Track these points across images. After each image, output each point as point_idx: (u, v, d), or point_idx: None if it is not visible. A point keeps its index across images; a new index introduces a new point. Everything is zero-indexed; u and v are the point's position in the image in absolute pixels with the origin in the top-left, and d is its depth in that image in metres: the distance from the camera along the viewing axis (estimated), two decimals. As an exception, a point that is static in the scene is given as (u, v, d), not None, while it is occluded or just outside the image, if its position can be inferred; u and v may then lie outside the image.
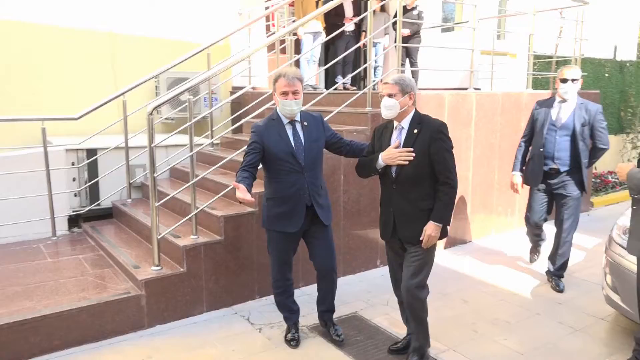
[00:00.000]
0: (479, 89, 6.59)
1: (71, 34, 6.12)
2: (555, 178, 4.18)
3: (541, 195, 4.30)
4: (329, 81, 8.60)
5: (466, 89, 5.93)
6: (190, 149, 3.86)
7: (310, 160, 3.13)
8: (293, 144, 3.09)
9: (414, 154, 2.79)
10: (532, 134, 4.33)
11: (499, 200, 5.78)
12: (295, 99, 3.04)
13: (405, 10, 7.81)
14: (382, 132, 3.01)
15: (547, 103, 4.30)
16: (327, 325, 3.45)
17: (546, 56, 8.14)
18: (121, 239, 4.52)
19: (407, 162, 2.79)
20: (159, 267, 3.67)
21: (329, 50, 8.33)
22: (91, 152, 5.11)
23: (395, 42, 4.82)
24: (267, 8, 7.53)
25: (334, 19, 7.86)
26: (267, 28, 7.75)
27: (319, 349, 3.30)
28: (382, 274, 4.62)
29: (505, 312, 3.86)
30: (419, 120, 2.87)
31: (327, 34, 7.59)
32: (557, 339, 3.42)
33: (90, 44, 6.29)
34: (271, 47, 7.22)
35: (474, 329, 3.58)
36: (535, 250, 4.86)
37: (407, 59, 7.52)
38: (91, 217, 5.16)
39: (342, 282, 4.39)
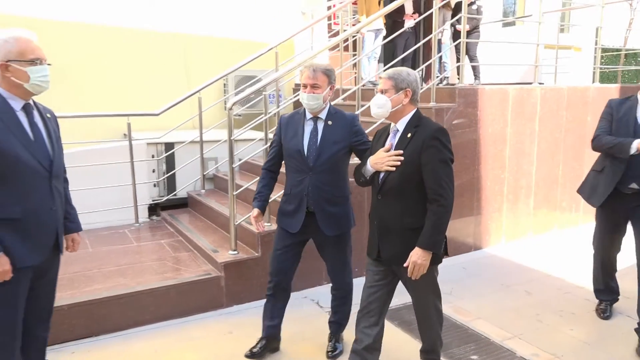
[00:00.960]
0: (542, 83, 6.53)
1: (150, 36, 6.57)
2: (633, 200, 3.32)
3: (614, 217, 3.48)
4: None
5: (528, 83, 5.92)
6: (265, 142, 4.12)
7: (321, 161, 2.86)
8: (306, 142, 2.88)
9: (401, 158, 2.42)
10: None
11: (563, 196, 5.73)
12: (312, 92, 2.80)
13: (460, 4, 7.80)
14: (380, 136, 2.64)
15: (628, 105, 3.37)
16: (330, 337, 3.23)
17: (614, 49, 7.90)
18: (197, 226, 4.86)
19: (394, 168, 2.43)
20: (235, 252, 3.95)
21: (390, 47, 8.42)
22: (169, 146, 5.51)
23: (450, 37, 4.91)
24: (329, 8, 7.76)
25: (394, 15, 7.98)
26: (329, 26, 7.94)
27: (386, 331, 3.48)
28: (444, 264, 4.72)
29: (571, 304, 3.89)
30: (417, 122, 2.47)
31: (387, 31, 7.73)
32: (626, 331, 3.43)
33: (166, 45, 6.73)
34: (334, 45, 7.45)
35: (538, 319, 3.65)
36: (605, 309, 3.69)
37: (466, 55, 7.52)
38: (168, 206, 5.55)
39: (405, 271, 4.55)
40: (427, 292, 2.62)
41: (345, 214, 2.97)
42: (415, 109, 2.52)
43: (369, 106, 2.53)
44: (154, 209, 5.51)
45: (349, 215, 3.01)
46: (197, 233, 4.59)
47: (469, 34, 7.27)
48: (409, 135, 2.44)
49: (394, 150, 2.46)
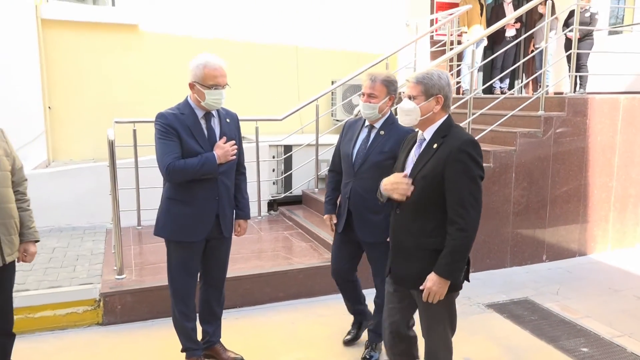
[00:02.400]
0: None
1: (269, 49, 7.29)
2: None
3: None
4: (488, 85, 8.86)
5: (637, 92, 5.88)
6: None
7: (365, 168, 2.90)
8: (357, 147, 2.96)
9: (412, 187, 2.23)
10: None
11: (675, 207, 5.64)
12: (369, 102, 2.84)
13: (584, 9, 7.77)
14: (407, 144, 2.44)
15: None
16: (367, 344, 3.27)
17: None
18: (313, 220, 5.39)
19: (405, 198, 2.25)
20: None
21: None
22: (288, 148, 6.11)
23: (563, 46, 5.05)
24: (431, 21, 8.08)
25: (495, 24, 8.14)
26: (431, 37, 8.25)
27: (495, 322, 3.77)
28: (548, 267, 4.92)
29: (683, 310, 3.95)
30: (446, 131, 2.22)
31: (489, 39, 7.92)
32: None
33: (280, 57, 7.41)
34: (435, 54, 7.77)
35: (648, 321, 3.76)
36: None
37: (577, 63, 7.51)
38: (283, 202, 6.15)
39: (509, 271, 4.82)
40: (441, 322, 2.31)
41: (382, 221, 2.82)
42: (447, 116, 2.27)
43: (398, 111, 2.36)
44: (271, 205, 6.13)
45: (385, 223, 2.72)
46: (315, 226, 5.12)
47: (580, 41, 7.27)
48: (435, 145, 2.20)
49: (416, 162, 2.25)
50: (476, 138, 4.71)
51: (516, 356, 3.27)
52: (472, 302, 4.10)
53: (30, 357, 3.21)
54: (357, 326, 3.48)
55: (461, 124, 4.66)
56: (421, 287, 2.20)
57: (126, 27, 6.77)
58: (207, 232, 2.88)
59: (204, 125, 2.85)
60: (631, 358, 3.24)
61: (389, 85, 2.86)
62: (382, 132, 2.90)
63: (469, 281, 2.34)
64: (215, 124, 2.91)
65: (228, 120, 2.97)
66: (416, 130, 2.36)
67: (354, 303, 3.37)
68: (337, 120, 7.17)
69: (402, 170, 2.35)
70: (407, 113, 2.25)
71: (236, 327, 3.61)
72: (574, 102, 4.94)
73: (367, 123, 2.96)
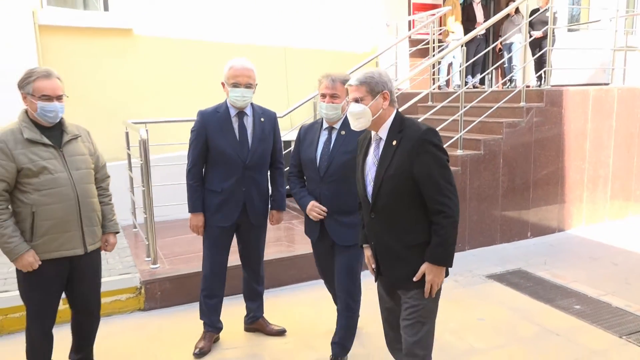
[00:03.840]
0: (608, 84, 7.11)
1: (257, 50, 7.59)
2: None
3: None
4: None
5: (598, 84, 6.53)
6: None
7: (332, 171, 2.84)
8: (319, 152, 2.89)
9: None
10: None
11: (637, 185, 6.32)
12: (332, 102, 2.77)
13: (536, 11, 8.48)
14: (362, 146, 2.40)
15: None
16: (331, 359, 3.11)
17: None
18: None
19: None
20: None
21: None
22: (286, 144, 6.46)
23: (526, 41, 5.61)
24: (409, 22, 8.60)
25: (465, 24, 8.79)
26: (409, 37, 8.75)
27: (497, 289, 4.26)
28: (533, 243, 5.49)
29: (654, 271, 4.56)
30: (400, 126, 2.22)
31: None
32: None
33: (270, 57, 7.73)
34: (414, 53, 8.28)
35: (627, 282, 4.34)
36: None
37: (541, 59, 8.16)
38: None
39: (500, 247, 5.36)
40: (430, 318, 2.32)
41: (354, 223, 2.80)
42: (395, 111, 2.27)
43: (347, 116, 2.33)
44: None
45: (358, 225, 2.74)
46: (322, 215, 5.50)
47: (543, 39, 7.93)
48: (395, 142, 2.19)
49: (378, 164, 2.24)
50: (467, 129, 5.23)
51: (521, 315, 3.75)
52: (474, 274, 4.58)
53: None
54: None
55: (453, 117, 5.18)
56: (415, 279, 2.20)
57: (121, 32, 6.93)
58: (234, 219, 3.22)
59: (235, 124, 3.14)
60: (616, 311, 3.77)
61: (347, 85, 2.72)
62: (342, 132, 2.85)
63: (448, 274, 2.31)
64: (249, 122, 3.18)
65: (262, 119, 3.20)
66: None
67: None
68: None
69: (363, 173, 2.34)
70: (358, 116, 2.21)
71: (272, 304, 3.96)
72: (551, 94, 5.51)
73: (325, 125, 2.90)
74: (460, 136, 5.14)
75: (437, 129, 5.24)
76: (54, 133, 2.70)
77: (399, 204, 2.21)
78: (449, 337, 3.42)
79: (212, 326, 3.36)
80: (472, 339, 3.41)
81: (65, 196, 2.62)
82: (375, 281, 2.49)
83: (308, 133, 3.00)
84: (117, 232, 2.98)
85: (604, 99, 5.88)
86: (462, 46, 5.73)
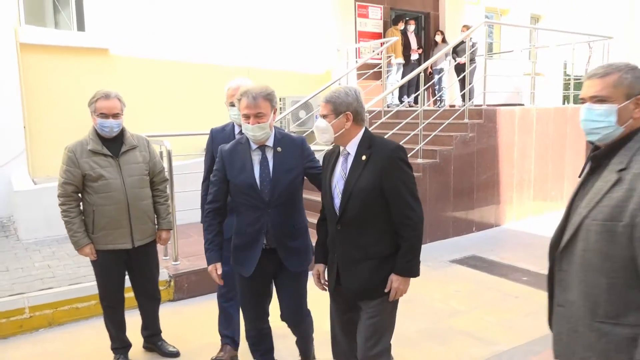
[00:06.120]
0: (522, 104, 8.57)
1: (223, 69, 8.22)
2: None
3: None
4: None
5: (513, 104, 7.89)
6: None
7: (278, 194, 2.57)
8: (257, 175, 2.57)
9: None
10: None
11: (552, 187, 7.72)
12: (257, 123, 2.48)
13: (461, 42, 9.88)
14: (330, 159, 2.45)
15: None
16: None
17: (578, 77, 10.16)
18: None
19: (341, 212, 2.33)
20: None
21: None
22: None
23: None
24: (357, 49, 9.65)
25: (404, 51, 10.02)
26: (356, 61, 9.81)
27: (460, 270, 5.25)
28: (478, 236, 6.62)
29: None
30: (369, 143, 2.31)
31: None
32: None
33: (236, 76, 8.37)
34: (361, 74, 9.31)
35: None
36: None
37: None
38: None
39: (453, 240, 6.42)
40: (388, 329, 2.41)
41: (305, 247, 2.73)
42: (364, 129, 2.35)
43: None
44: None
45: (309, 248, 2.77)
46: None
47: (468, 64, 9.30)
48: (364, 157, 2.27)
49: (347, 177, 2.30)
50: (424, 142, 6.21)
51: (485, 286, 4.76)
52: (439, 260, 5.55)
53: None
54: None
55: (414, 132, 6.18)
56: (386, 290, 2.29)
57: (97, 51, 7.29)
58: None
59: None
60: (553, 281, 4.89)
61: (272, 99, 2.56)
62: (279, 149, 2.60)
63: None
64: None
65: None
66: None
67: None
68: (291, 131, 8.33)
69: (330, 187, 2.37)
70: (322, 131, 2.30)
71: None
72: (488, 112, 6.71)
73: (254, 146, 2.59)
74: (420, 147, 6.15)
75: (402, 142, 6.13)
76: (115, 144, 3.22)
77: (366, 216, 2.27)
78: (438, 304, 4.33)
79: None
80: (454, 303, 4.34)
81: (116, 199, 3.15)
82: (331, 293, 2.50)
83: (234, 156, 2.62)
84: (170, 229, 3.48)
85: (526, 117, 7.21)
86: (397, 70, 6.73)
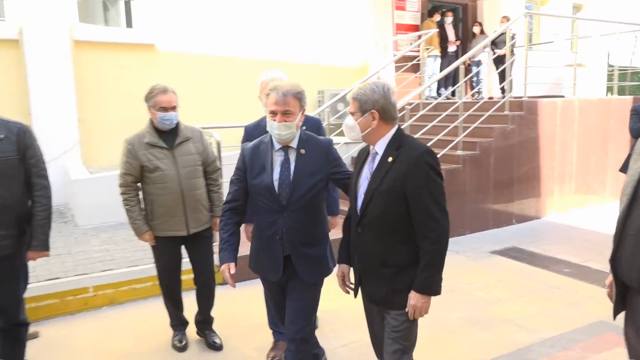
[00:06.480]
0: (563, 96, 8.44)
1: (263, 64, 8.40)
2: None
3: None
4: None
5: (555, 96, 7.79)
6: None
7: (296, 198, 2.43)
8: (276, 177, 2.45)
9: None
10: None
11: (595, 180, 7.62)
12: (284, 121, 2.37)
13: (501, 34, 9.78)
14: (360, 158, 2.35)
15: None
16: None
17: (623, 67, 9.92)
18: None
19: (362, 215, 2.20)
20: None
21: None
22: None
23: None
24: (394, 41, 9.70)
25: (442, 43, 10.00)
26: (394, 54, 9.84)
27: (501, 260, 5.29)
28: (518, 228, 6.61)
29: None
30: (398, 144, 2.15)
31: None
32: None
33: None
34: (399, 67, 9.35)
35: (599, 252, 5.45)
36: None
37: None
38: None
39: (492, 232, 6.43)
40: (407, 340, 2.25)
41: (323, 257, 2.56)
42: (395, 128, 2.19)
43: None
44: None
45: (329, 257, 2.60)
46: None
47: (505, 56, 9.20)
48: (390, 159, 2.12)
49: (371, 178, 2.18)
50: (464, 134, 6.24)
51: (527, 277, 4.79)
52: (479, 251, 5.60)
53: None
54: None
55: (454, 124, 6.22)
56: (406, 310, 2.15)
57: (144, 47, 7.58)
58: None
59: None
60: (596, 273, 4.85)
61: (302, 98, 2.45)
62: (302, 151, 2.46)
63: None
64: (293, 157, 2.50)
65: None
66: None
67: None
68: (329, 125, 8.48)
69: (356, 186, 2.27)
70: (350, 129, 2.21)
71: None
72: (529, 104, 6.68)
73: (278, 146, 2.48)
74: (460, 139, 6.19)
75: (442, 134, 6.18)
76: (170, 137, 3.35)
77: (386, 221, 2.12)
78: (479, 292, 4.40)
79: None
80: (496, 293, 4.40)
81: (172, 189, 3.31)
82: (355, 296, 2.41)
83: (255, 156, 2.51)
84: None
85: (568, 109, 7.13)
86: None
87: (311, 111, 8.40)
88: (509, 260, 5.30)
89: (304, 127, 2.73)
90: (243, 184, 2.53)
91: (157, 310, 3.57)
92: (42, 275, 4.12)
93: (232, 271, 2.49)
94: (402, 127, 2.38)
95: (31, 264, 3.04)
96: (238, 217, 2.58)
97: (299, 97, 2.42)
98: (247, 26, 8.41)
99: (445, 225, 2.09)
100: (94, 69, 7.19)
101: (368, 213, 2.15)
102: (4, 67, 6.57)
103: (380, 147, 2.18)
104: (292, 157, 2.47)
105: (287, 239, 2.45)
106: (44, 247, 2.86)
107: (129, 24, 7.68)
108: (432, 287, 2.12)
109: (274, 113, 2.38)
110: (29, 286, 3.86)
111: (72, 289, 4.02)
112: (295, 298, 2.54)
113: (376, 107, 2.13)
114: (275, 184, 2.43)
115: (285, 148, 2.47)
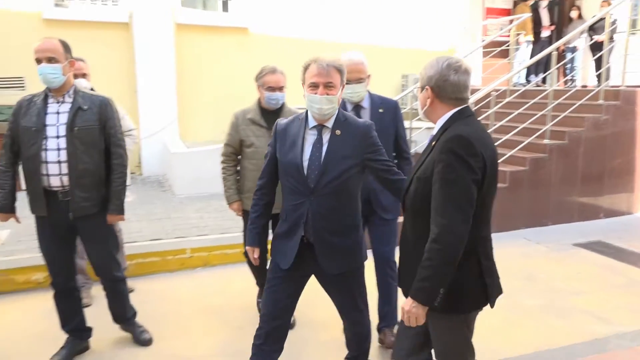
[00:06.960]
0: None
1: (350, 48, 8.57)
2: None
3: None
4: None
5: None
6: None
7: (325, 182, 2.26)
8: (306, 156, 2.29)
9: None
10: None
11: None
12: (326, 94, 2.23)
13: (601, 19, 9.22)
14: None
15: None
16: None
17: None
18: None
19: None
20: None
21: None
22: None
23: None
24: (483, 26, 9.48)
25: (535, 28, 9.62)
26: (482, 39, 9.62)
27: (585, 254, 5.15)
28: (606, 222, 6.36)
29: None
30: (446, 127, 1.92)
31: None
32: None
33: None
34: (487, 52, 9.14)
35: (692, 252, 5.20)
36: None
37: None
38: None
39: (577, 225, 6.24)
40: (453, 349, 2.04)
41: (353, 246, 2.38)
42: (454, 110, 1.94)
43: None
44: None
45: (358, 247, 2.40)
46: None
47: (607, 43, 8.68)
48: (433, 143, 1.93)
49: (419, 159, 2.03)
50: (552, 123, 6.04)
51: (610, 271, 4.67)
52: (561, 244, 5.48)
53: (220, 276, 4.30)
54: None
55: (542, 112, 6.05)
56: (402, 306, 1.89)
57: (239, 30, 8.01)
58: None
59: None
60: (689, 272, 4.66)
61: (343, 72, 2.31)
62: (337, 132, 2.30)
63: (491, 305, 1.97)
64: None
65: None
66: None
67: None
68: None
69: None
70: (419, 106, 2.03)
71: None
72: (627, 93, 6.34)
73: (312, 123, 2.32)
74: (548, 128, 6.03)
75: (528, 122, 6.04)
76: (273, 117, 3.40)
77: (420, 208, 1.91)
78: (559, 283, 4.36)
79: None
80: (577, 285, 4.34)
81: (261, 167, 3.52)
82: None
83: (288, 133, 2.36)
84: None
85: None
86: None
87: (394, 95, 8.48)
88: (593, 254, 5.16)
89: (380, 110, 2.86)
90: (274, 161, 2.42)
91: (245, 274, 3.91)
92: (148, 235, 4.63)
93: (256, 255, 2.49)
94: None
95: (138, 226, 3.45)
96: (268, 197, 2.50)
97: (340, 70, 2.29)
98: (336, 10, 8.60)
99: (452, 225, 1.77)
100: (193, 50, 7.72)
101: (407, 196, 2.01)
102: (116, 48, 7.24)
103: (435, 129, 1.98)
104: (326, 137, 2.31)
105: (311, 225, 2.29)
106: (120, 211, 3.02)
107: (225, 8, 8.11)
108: (420, 292, 1.82)
109: (314, 85, 2.24)
110: (136, 244, 4.41)
111: (172, 249, 4.48)
112: (332, 294, 2.50)
113: (430, 83, 1.93)
114: (305, 164, 2.28)
115: (320, 127, 2.32)
